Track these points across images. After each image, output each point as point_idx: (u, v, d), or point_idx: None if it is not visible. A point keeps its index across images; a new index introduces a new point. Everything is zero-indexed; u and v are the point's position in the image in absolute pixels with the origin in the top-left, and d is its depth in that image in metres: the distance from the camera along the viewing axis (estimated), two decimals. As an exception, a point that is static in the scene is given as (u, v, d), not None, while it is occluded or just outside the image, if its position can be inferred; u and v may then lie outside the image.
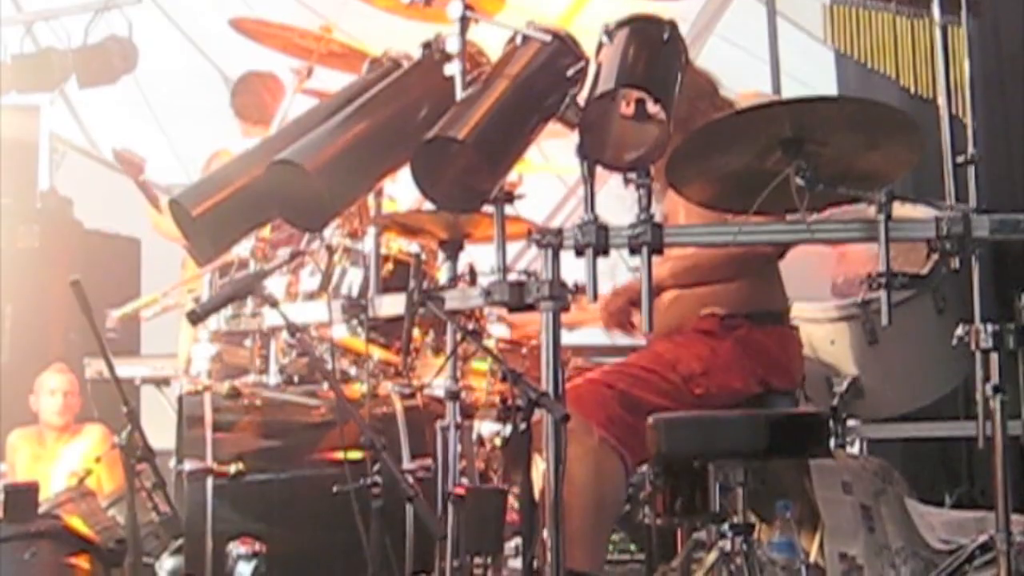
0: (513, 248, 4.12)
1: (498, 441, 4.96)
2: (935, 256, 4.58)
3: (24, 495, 4.68)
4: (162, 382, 8.21)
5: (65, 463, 7.54)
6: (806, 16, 8.01)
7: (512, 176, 4.18)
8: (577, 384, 4.40)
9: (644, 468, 4.58)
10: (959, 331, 3.86)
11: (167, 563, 4.75)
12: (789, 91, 7.85)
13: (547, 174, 8.34)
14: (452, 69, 3.96)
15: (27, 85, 9.82)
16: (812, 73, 8.34)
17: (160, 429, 5.80)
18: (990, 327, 3.79)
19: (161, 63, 10.70)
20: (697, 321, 4.59)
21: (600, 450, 4.31)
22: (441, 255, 4.33)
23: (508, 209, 3.87)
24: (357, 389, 4.98)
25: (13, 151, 9.41)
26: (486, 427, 5.09)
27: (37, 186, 9.76)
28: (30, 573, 4.39)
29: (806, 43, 8.31)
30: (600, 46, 3.77)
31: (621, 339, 5.06)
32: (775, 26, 7.77)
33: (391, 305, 4.25)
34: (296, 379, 5.23)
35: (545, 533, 3.63)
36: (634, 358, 4.62)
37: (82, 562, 4.50)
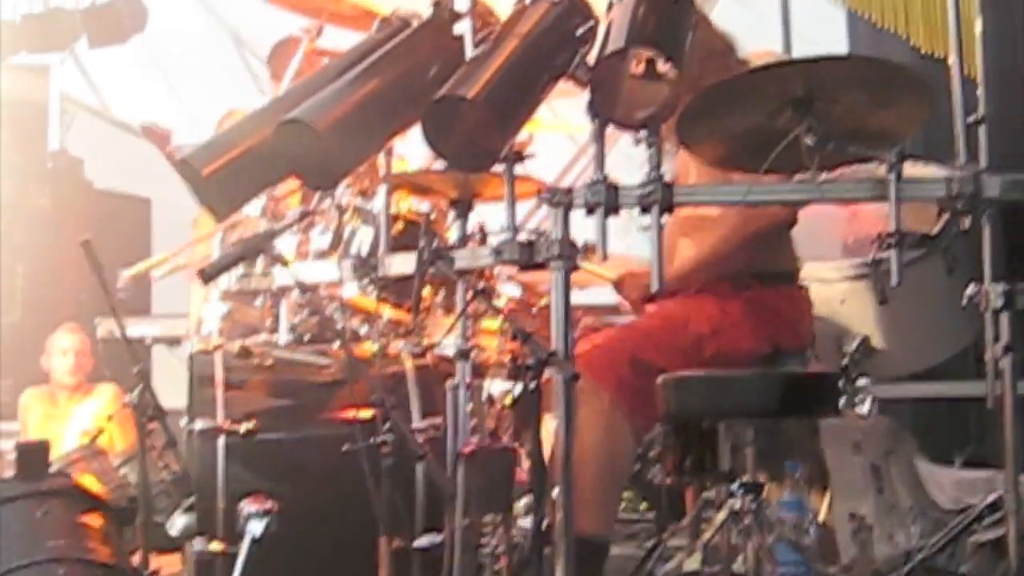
0: (523, 208, 4.12)
1: (508, 400, 4.96)
2: (946, 216, 4.58)
3: (36, 453, 4.70)
4: (173, 341, 8.21)
5: (77, 422, 7.56)
6: (818, -24, 7.99)
7: (523, 135, 4.18)
8: (586, 348, 4.39)
9: (656, 428, 4.58)
10: (969, 291, 3.87)
11: (179, 521, 4.76)
12: (800, 52, 7.85)
13: (557, 133, 8.31)
14: (462, 28, 3.97)
15: (37, 45, 9.83)
16: (823, 34, 8.31)
17: (171, 388, 5.81)
18: (1000, 287, 3.79)
19: (171, 23, 10.70)
20: (706, 281, 4.58)
21: (610, 413, 4.30)
22: (451, 214, 4.32)
23: (518, 168, 3.87)
24: (367, 348, 4.99)
25: (23, 111, 9.42)
26: (496, 386, 5.09)
27: (48, 146, 9.78)
28: (42, 531, 4.40)
29: (817, 3, 8.28)
30: (610, 5, 3.76)
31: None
32: (787, -13, 7.76)
33: (401, 264, 4.25)
34: (307, 338, 5.23)
35: (555, 493, 3.64)
36: (644, 319, 4.63)
37: (94, 520, 4.52)
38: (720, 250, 4.50)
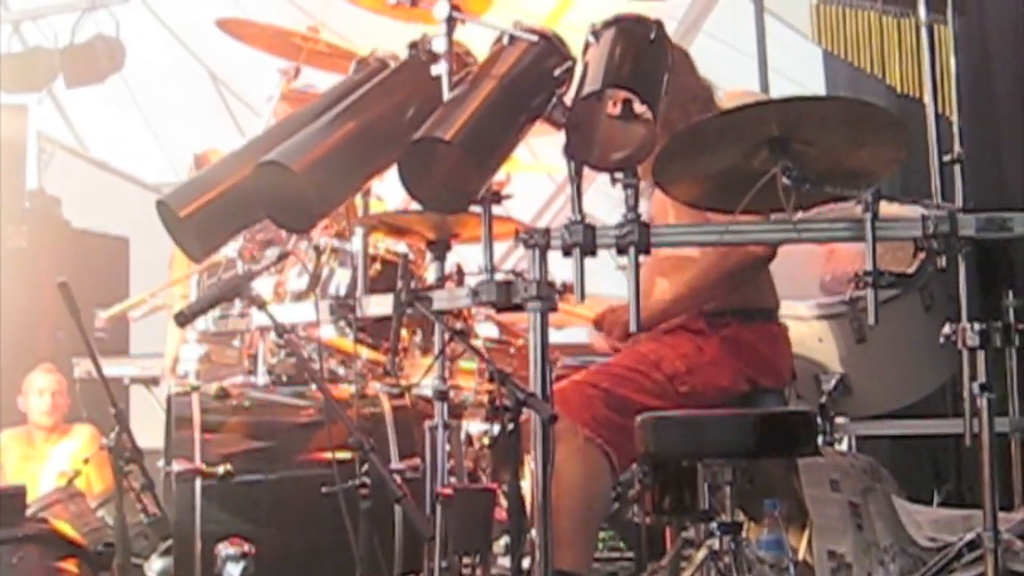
0: (501, 247, 4.12)
1: (486, 440, 4.96)
2: (922, 254, 4.59)
3: (11, 499, 4.67)
4: (151, 382, 8.19)
5: (54, 463, 7.54)
6: (794, 13, 8.01)
7: (500, 175, 4.19)
8: (561, 387, 4.38)
9: (633, 466, 4.58)
10: (946, 330, 3.87)
11: (156, 564, 4.75)
12: (777, 88, 7.86)
13: (536, 173, 8.34)
14: (439, 69, 3.97)
15: (15, 85, 9.83)
16: (800, 70, 8.35)
17: (149, 428, 5.80)
18: (977, 326, 3.80)
19: (149, 61, 10.72)
20: (684, 319, 4.58)
21: (586, 450, 4.30)
22: (429, 255, 4.32)
23: (496, 209, 3.88)
24: (345, 389, 4.99)
25: (1, 151, 9.39)
26: (474, 426, 5.09)
27: (25, 186, 9.75)
28: (17, 578, 4.39)
29: (794, 40, 8.32)
30: (587, 46, 3.78)
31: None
32: (763, 23, 7.78)
33: (379, 305, 4.24)
34: (284, 379, 5.23)
35: (533, 532, 3.63)
36: (618, 358, 4.62)
37: (70, 566, 4.49)
38: (697, 286, 4.49)
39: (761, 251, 4.45)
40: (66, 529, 4.72)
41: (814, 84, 7.59)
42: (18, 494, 4.73)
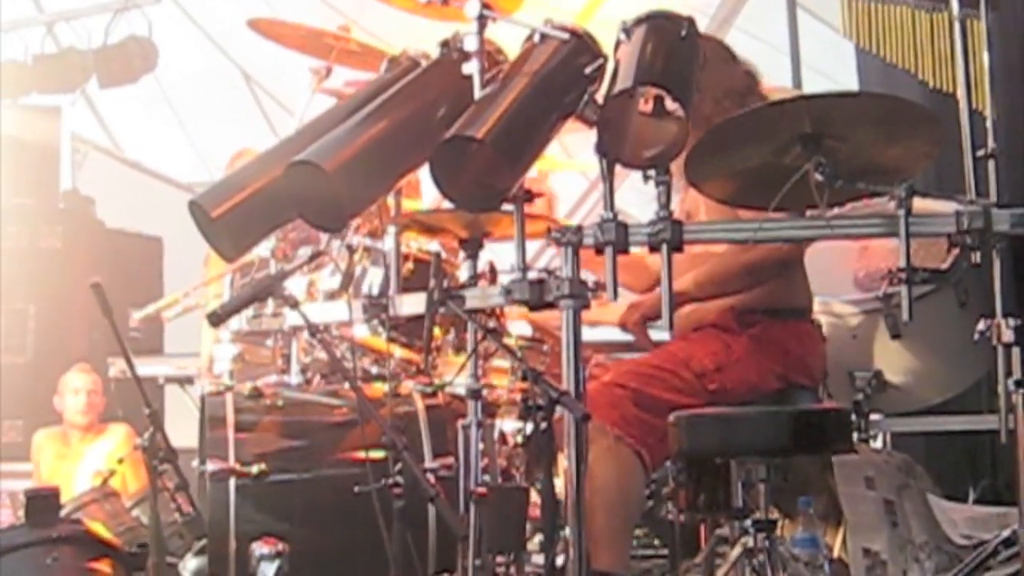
0: (533, 245, 4.12)
1: (519, 439, 4.95)
2: (956, 250, 4.57)
3: (46, 500, 4.69)
4: (185, 381, 8.22)
5: (89, 462, 7.57)
6: (826, 7, 7.98)
7: (533, 173, 4.18)
8: (589, 388, 4.38)
9: (667, 464, 4.57)
10: (981, 326, 3.86)
11: (191, 563, 4.76)
12: (810, 83, 7.85)
13: (569, 171, 8.33)
14: (470, 68, 3.96)
15: (48, 86, 9.89)
16: (833, 65, 8.33)
17: (183, 427, 5.82)
18: (1012, 321, 3.78)
19: (181, 62, 10.77)
20: (714, 317, 4.56)
21: (617, 449, 4.28)
22: (461, 253, 4.32)
23: (532, 207, 3.88)
24: (379, 388, 4.99)
25: (35, 152, 9.45)
26: (508, 425, 5.08)
27: (59, 186, 9.81)
28: (51, 578, 4.41)
29: (827, 35, 8.29)
30: (618, 43, 3.78)
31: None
32: (795, 18, 7.78)
33: (412, 304, 4.24)
34: (318, 379, 5.23)
35: (567, 531, 3.63)
36: (647, 358, 4.60)
37: (104, 567, 4.51)
38: (717, 273, 4.45)
39: (786, 248, 4.43)
40: (100, 530, 4.74)
41: (847, 79, 7.56)
42: (52, 495, 4.75)
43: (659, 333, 4.51)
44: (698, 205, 4.54)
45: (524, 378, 3.77)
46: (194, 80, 11.51)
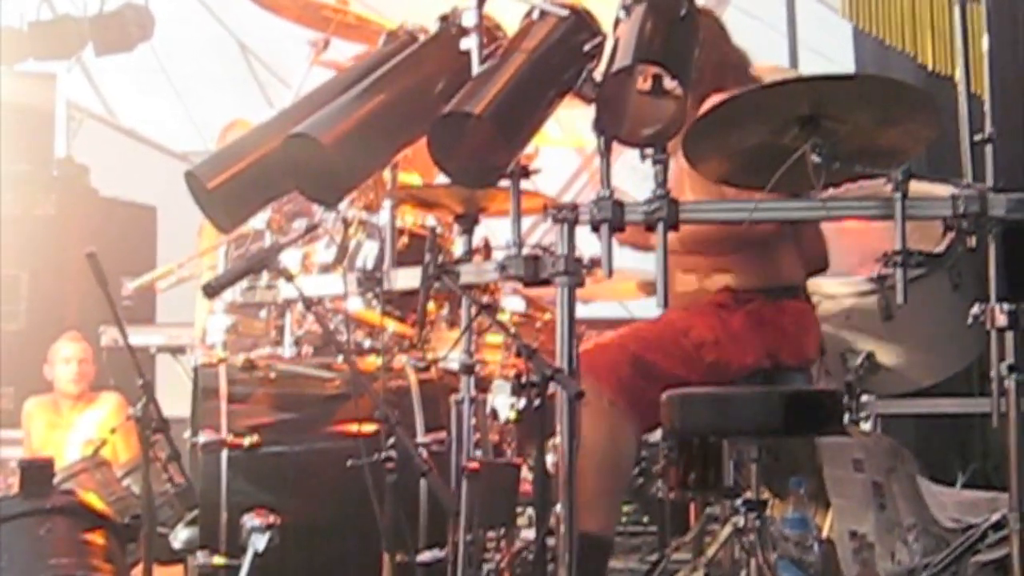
0: (527, 220, 4.12)
1: (512, 414, 4.96)
2: (951, 234, 4.57)
3: (40, 470, 4.70)
4: (177, 350, 8.21)
5: (81, 431, 7.57)
6: (824, -14, 8.00)
7: (528, 148, 4.18)
8: (589, 348, 4.40)
9: (658, 439, 4.58)
10: (975, 310, 3.86)
11: (182, 534, 4.77)
12: (807, 63, 7.84)
13: (564, 147, 8.31)
14: (469, 43, 3.96)
15: (44, 52, 9.83)
16: (830, 45, 8.31)
17: (175, 397, 5.82)
18: (1006, 306, 3.79)
19: (178, 31, 10.72)
20: (711, 295, 4.57)
21: (611, 413, 4.30)
22: (456, 228, 4.32)
23: (525, 183, 3.88)
24: (372, 362, 4.99)
25: (30, 118, 9.42)
26: (500, 401, 5.09)
27: (54, 153, 9.79)
28: (45, 549, 4.41)
29: (824, 14, 8.28)
30: (617, 21, 3.77)
31: (637, 311, 5.06)
32: (793, -4, 7.75)
33: (406, 278, 4.25)
34: (311, 351, 5.24)
35: (558, 507, 3.64)
36: (646, 323, 4.62)
37: (97, 538, 4.52)
38: (701, 230, 4.44)
39: (768, 227, 4.42)
40: (94, 501, 4.75)
41: (843, 59, 7.56)
42: (46, 465, 4.76)
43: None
44: (682, 180, 4.53)
45: (518, 354, 3.78)
46: (190, 49, 11.47)
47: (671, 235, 4.16)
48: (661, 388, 4.16)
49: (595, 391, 4.21)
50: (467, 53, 3.95)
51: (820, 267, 4.82)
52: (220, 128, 7.20)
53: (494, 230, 4.30)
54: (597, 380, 4.23)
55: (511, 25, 4.00)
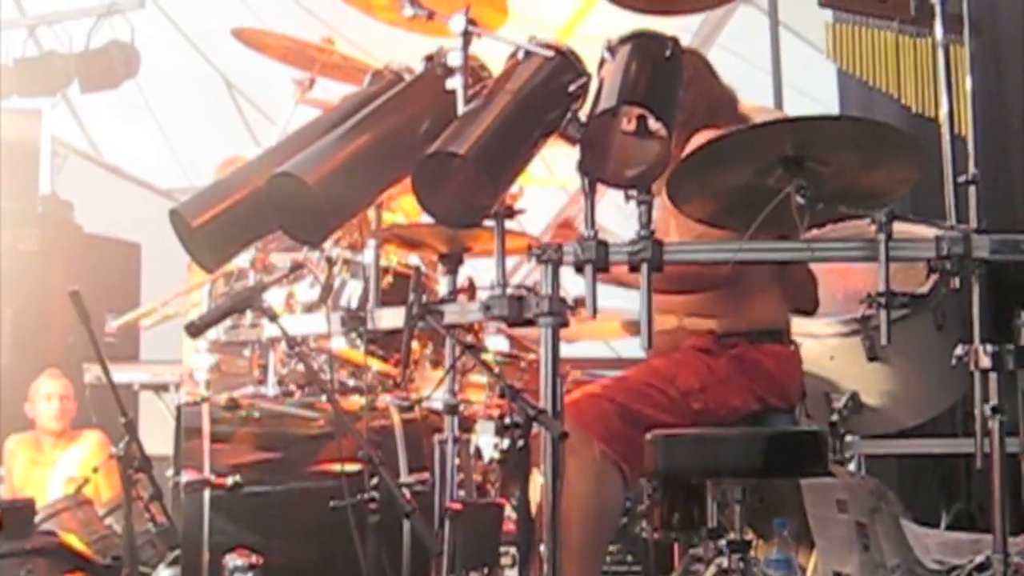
0: (511, 260, 4.12)
1: (496, 454, 4.95)
2: (935, 275, 4.59)
3: (21, 511, 4.68)
4: (160, 388, 8.20)
5: (63, 469, 7.54)
6: (809, 27, 8.01)
7: (513, 188, 4.18)
8: (576, 398, 4.38)
9: (642, 481, 4.57)
10: (959, 351, 3.86)
11: (163, 574, 4.75)
12: (791, 102, 7.86)
13: (549, 187, 8.34)
14: (454, 83, 3.97)
15: (29, 89, 9.87)
16: (815, 84, 8.34)
17: (158, 435, 5.81)
18: (990, 347, 3.79)
19: (163, 68, 10.75)
20: (694, 339, 4.57)
21: (600, 464, 4.28)
22: (441, 268, 4.32)
23: (509, 223, 3.88)
24: (355, 401, 4.98)
25: (14, 154, 9.41)
26: (484, 440, 5.08)
27: (38, 190, 9.79)
28: (26, 589, 4.41)
29: (809, 54, 8.31)
30: (602, 62, 3.79)
31: (623, 351, 5.05)
32: (778, 37, 7.78)
33: (390, 318, 4.25)
34: (295, 390, 5.22)
35: (542, 548, 3.63)
36: (632, 373, 4.61)
37: (78, 579, 4.52)
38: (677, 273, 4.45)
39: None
40: (74, 542, 4.74)
41: (828, 99, 7.59)
42: (27, 506, 4.74)
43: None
44: (667, 221, 4.54)
45: (502, 395, 3.77)
46: (176, 86, 11.49)
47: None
48: None
49: (584, 441, 4.20)
50: (452, 93, 3.95)
51: (808, 309, 4.83)
52: (207, 165, 7.20)
53: (479, 269, 4.30)
54: (585, 430, 4.22)
55: (496, 65, 4.01)
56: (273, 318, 4.06)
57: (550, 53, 3.86)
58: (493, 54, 4.07)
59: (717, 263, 3.98)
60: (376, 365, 4.89)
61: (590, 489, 4.23)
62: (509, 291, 3.79)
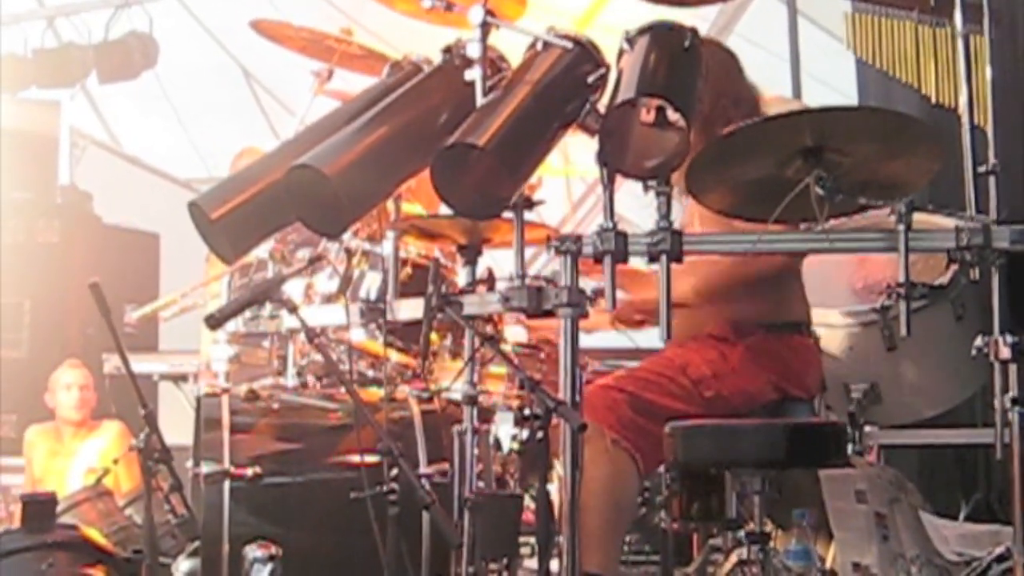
0: (530, 250, 4.12)
1: (515, 445, 4.95)
2: (955, 265, 4.57)
3: (42, 505, 4.69)
4: (180, 378, 8.20)
5: (83, 459, 7.55)
6: (827, 15, 7.99)
7: (532, 179, 4.18)
8: (587, 390, 4.38)
9: (661, 471, 4.57)
10: (978, 342, 3.85)
11: (183, 565, 4.76)
12: (810, 91, 7.85)
13: (567, 176, 8.33)
14: (473, 74, 3.96)
15: (48, 80, 9.89)
16: (833, 73, 8.32)
17: (177, 425, 5.82)
18: (1009, 338, 3.78)
19: (182, 58, 10.76)
20: (711, 327, 4.56)
21: (613, 452, 4.28)
22: (460, 259, 4.32)
23: (528, 214, 3.88)
24: (375, 393, 4.98)
25: (33, 146, 9.43)
26: (503, 431, 5.08)
27: (57, 181, 9.81)
28: (46, 584, 4.42)
29: (827, 43, 8.29)
30: (621, 53, 3.78)
31: (641, 341, 5.05)
32: (796, 26, 7.77)
33: (409, 309, 4.25)
34: (313, 382, 5.23)
35: (561, 538, 3.63)
36: (644, 363, 4.61)
37: (98, 573, 4.51)
38: (715, 282, 4.47)
39: (782, 260, 4.44)
40: (95, 536, 4.74)
41: (847, 87, 7.56)
42: (48, 500, 4.75)
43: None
44: (693, 215, 4.54)
45: (521, 387, 3.77)
46: (194, 76, 11.50)
47: (685, 287, 4.20)
48: (662, 425, 4.15)
49: (597, 431, 4.20)
50: (471, 84, 3.95)
51: None
52: (225, 155, 7.20)
53: (499, 260, 4.30)
54: (598, 420, 4.22)
55: (515, 56, 4.01)
56: (293, 309, 4.07)
57: (569, 44, 3.86)
58: (512, 45, 4.06)
59: (735, 254, 3.98)
60: (395, 356, 4.89)
61: (605, 478, 4.23)
62: (528, 282, 3.79)
